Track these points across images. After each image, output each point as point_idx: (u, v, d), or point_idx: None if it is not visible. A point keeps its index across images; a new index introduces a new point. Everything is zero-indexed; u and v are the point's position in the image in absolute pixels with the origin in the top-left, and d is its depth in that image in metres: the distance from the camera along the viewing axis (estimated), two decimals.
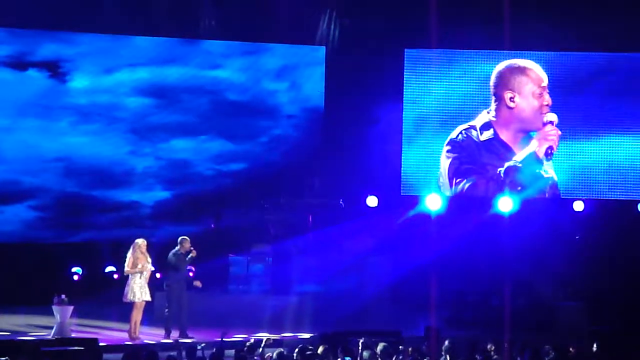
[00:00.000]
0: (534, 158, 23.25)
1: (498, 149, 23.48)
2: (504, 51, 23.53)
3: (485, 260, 22.25)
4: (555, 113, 23.30)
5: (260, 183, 23.75)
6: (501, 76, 23.56)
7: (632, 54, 23.77)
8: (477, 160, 23.54)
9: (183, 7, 23.20)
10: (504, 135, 23.48)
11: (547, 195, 23.34)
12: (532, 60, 23.67)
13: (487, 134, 23.52)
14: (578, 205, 23.52)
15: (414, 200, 23.34)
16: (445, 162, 23.59)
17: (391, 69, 23.74)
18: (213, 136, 24.05)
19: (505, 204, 22.97)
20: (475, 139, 23.55)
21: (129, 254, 18.45)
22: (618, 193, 23.61)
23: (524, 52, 23.66)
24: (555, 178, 23.40)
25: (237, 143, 24.15)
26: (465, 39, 23.27)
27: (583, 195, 23.58)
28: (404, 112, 23.88)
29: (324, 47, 24.04)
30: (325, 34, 24.17)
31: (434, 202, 23.12)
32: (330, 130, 23.76)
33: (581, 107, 23.67)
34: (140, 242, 18.56)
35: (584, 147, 23.59)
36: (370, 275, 22.14)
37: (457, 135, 23.63)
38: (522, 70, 23.54)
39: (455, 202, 23.21)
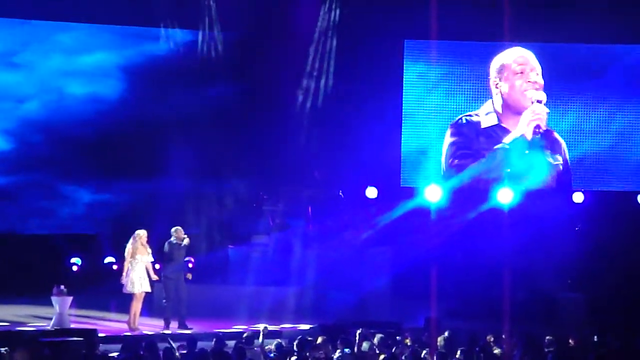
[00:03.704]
0: (522, 140, 23.34)
1: (499, 135, 23.61)
2: (504, 42, 23.52)
3: (485, 252, 22.22)
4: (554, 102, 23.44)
5: None
6: (491, 67, 23.76)
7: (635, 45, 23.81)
8: (473, 145, 23.64)
9: None
10: (506, 122, 23.60)
11: (550, 184, 23.40)
12: (535, 51, 23.73)
13: (489, 122, 23.68)
14: (578, 197, 23.50)
15: (414, 192, 23.32)
16: (445, 144, 23.77)
17: (391, 59, 23.74)
18: None
19: (505, 196, 22.93)
20: (476, 125, 23.68)
21: (129, 245, 18.42)
22: (618, 184, 23.67)
23: (523, 43, 23.66)
24: (560, 167, 23.47)
25: None
26: (464, 30, 23.26)
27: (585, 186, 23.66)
28: (403, 103, 23.90)
29: None
30: (325, 25, 24.16)
31: (433, 194, 23.07)
32: (329, 121, 23.73)
33: (584, 98, 23.72)
34: (142, 233, 18.52)
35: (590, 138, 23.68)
36: (371, 266, 22.12)
37: (459, 120, 23.80)
38: (503, 56, 23.76)
39: (455, 194, 23.20)
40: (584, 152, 23.68)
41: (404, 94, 23.96)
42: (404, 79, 23.96)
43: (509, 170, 23.30)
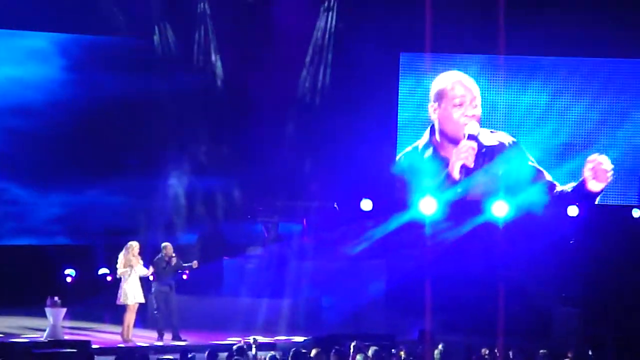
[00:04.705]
0: (448, 180, 23.03)
1: (439, 164, 23.34)
2: (498, 55, 23.54)
3: (479, 265, 22.21)
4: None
5: None
6: (431, 91, 23.47)
7: (629, 59, 23.82)
8: (418, 176, 23.37)
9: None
10: (443, 151, 23.31)
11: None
12: (528, 65, 23.75)
13: (428, 152, 23.49)
14: (572, 211, 23.47)
15: (408, 204, 23.30)
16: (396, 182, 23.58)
17: (386, 72, 23.77)
18: None
19: (500, 209, 22.89)
20: (418, 158, 23.45)
21: (121, 256, 18.42)
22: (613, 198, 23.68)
23: (517, 56, 23.68)
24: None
25: None
26: (460, 43, 23.29)
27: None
28: (398, 116, 23.92)
29: None
30: (320, 37, 24.21)
31: (428, 206, 23.00)
32: (325, 133, 23.73)
33: (574, 111, 23.76)
34: (134, 244, 18.53)
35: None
36: (365, 279, 22.12)
37: (400, 158, 23.64)
38: (444, 83, 23.41)
39: (450, 207, 23.16)
40: (578, 166, 23.68)
41: (399, 106, 23.97)
42: (399, 91, 23.97)
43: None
